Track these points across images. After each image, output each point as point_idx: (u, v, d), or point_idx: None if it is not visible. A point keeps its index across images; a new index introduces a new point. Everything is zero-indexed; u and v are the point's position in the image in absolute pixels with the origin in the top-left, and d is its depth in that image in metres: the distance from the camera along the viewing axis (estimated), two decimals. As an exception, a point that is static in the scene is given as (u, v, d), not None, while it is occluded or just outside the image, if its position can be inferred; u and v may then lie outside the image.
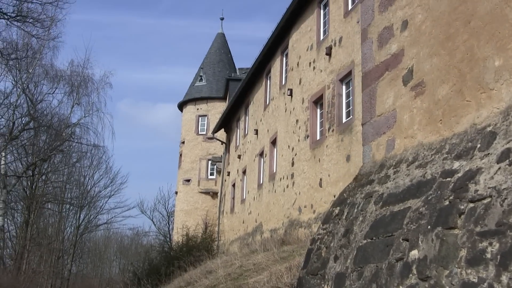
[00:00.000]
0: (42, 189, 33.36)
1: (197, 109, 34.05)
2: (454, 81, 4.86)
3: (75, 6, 63.07)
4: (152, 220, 44.67)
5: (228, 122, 29.28)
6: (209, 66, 35.17)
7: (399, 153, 5.53)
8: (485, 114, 4.41)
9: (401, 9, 5.84)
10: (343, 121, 13.70)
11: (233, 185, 26.91)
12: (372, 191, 5.46)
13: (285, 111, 18.54)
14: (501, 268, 3.37)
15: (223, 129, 30.23)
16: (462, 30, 4.83)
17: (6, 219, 30.58)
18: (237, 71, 33.64)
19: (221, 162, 30.94)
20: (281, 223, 17.39)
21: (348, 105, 13.76)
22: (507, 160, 3.77)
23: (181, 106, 35.32)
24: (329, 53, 14.83)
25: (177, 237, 29.71)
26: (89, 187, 40.74)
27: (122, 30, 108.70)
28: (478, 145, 4.25)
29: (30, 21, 19.31)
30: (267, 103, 21.38)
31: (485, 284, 3.43)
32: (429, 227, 4.15)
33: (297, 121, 17.14)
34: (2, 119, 27.53)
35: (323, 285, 5.46)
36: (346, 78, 13.89)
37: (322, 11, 16.30)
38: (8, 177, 28.08)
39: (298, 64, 17.61)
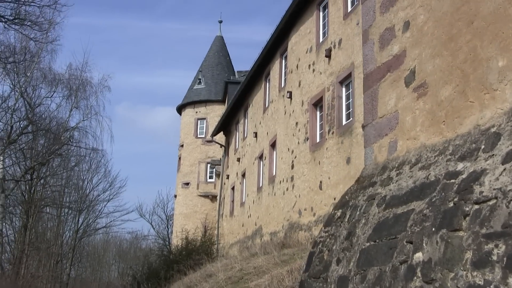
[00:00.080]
0: (40, 193, 33.24)
1: (196, 112, 34.01)
2: (457, 82, 4.82)
3: (73, 9, 62.94)
4: (151, 224, 44.67)
5: (227, 125, 29.24)
6: (208, 69, 35.15)
7: (401, 155, 5.49)
8: (489, 115, 4.38)
9: (402, 9, 5.81)
10: (343, 124, 13.67)
11: (233, 188, 26.85)
12: (375, 193, 5.42)
13: (285, 113, 18.50)
14: (508, 270, 3.33)
15: (222, 132, 30.19)
16: (465, 30, 4.79)
17: (4, 224, 30.46)
18: (236, 74, 33.62)
19: (220, 165, 30.89)
20: (281, 226, 17.33)
21: (348, 107, 13.73)
22: (513, 161, 3.73)
23: (179, 109, 35.29)
24: (328, 55, 14.80)
25: (176, 240, 29.66)
26: (87, 191, 40.67)
27: (121, 34, 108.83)
28: (482, 146, 4.21)
29: (28, 24, 19.21)
30: (267, 105, 21.36)
31: (491, 286, 3.39)
32: (433, 229, 4.11)
33: (296, 123, 17.11)
34: (0, 123, 27.43)
35: (325, 289, 5.41)
36: (346, 80, 13.86)
37: (321, 13, 16.28)
38: (6, 181, 27.98)
39: (297, 67, 17.58)
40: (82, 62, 43.15)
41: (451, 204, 4.07)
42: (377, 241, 4.81)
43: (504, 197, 3.61)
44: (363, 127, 7.44)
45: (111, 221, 44.97)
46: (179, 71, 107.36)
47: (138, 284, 23.19)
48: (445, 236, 3.94)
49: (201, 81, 34.50)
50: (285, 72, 19.31)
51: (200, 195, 32.43)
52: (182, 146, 33.86)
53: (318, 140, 15.35)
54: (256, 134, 22.40)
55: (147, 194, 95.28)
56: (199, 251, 22.56)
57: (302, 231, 14.96)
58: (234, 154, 27.18)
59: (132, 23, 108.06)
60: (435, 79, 5.13)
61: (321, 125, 15.41)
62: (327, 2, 15.77)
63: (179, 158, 33.97)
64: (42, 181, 32.94)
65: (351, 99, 13.41)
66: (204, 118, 33.67)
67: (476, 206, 3.80)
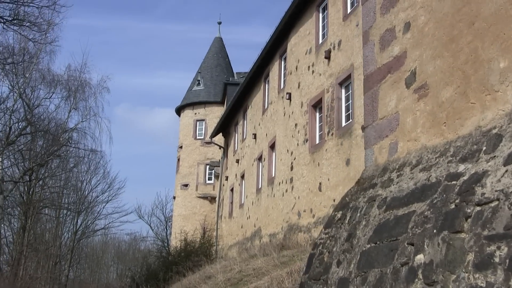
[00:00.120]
0: (39, 194, 33.19)
1: (195, 113, 33.98)
2: (458, 83, 4.81)
3: (72, 10, 62.98)
4: (149, 225, 44.66)
5: (226, 127, 29.22)
6: (207, 70, 35.13)
7: (402, 156, 5.47)
8: (490, 117, 4.36)
9: (403, 11, 5.79)
10: (343, 125, 13.65)
11: (232, 190, 26.83)
12: (375, 195, 5.40)
13: (284, 115, 18.49)
14: (510, 272, 3.31)
15: (221, 134, 30.17)
16: (466, 31, 4.78)
17: (3, 225, 30.44)
18: (235, 75, 33.61)
19: (219, 166, 30.87)
20: (280, 227, 17.30)
21: (347, 109, 13.71)
22: (515, 163, 3.71)
23: (178, 110, 35.26)
24: (328, 57, 14.79)
25: (175, 242, 29.61)
26: (86, 192, 40.64)
27: (120, 35, 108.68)
28: (484, 148, 4.19)
29: (26, 24, 19.16)
30: (266, 107, 21.34)
31: (494, 289, 3.37)
32: (435, 231, 4.09)
33: (296, 125, 17.09)
34: (-1, 124, 27.42)
35: (326, 290, 5.39)
36: (345, 82, 13.85)
37: (321, 14, 16.27)
38: (5, 183, 27.94)
39: (296, 68, 17.57)
40: (81, 63, 43.29)
41: (453, 206, 4.05)
42: (378, 243, 4.79)
43: (506, 198, 3.59)
44: (364, 128, 7.42)
45: (109, 223, 45.01)
46: (178, 72, 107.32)
47: (136, 286, 23.14)
48: (446, 238, 3.92)
49: (200, 82, 34.47)
50: (284, 74, 19.30)
51: (199, 197, 32.39)
52: (181, 147, 33.83)
53: (317, 142, 15.33)
54: (255, 136, 22.38)
55: (146, 196, 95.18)
56: (198, 253, 22.53)
57: (302, 233, 14.93)
58: (233, 155, 27.15)
59: (132, 25, 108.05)
60: (436, 80, 5.11)
61: (320, 127, 15.40)
62: (326, 4, 15.76)
63: (178, 160, 33.93)
64: (40, 182, 32.91)
65: (350, 101, 13.40)
66: (203, 120, 33.63)
67: (478, 208, 3.79)
